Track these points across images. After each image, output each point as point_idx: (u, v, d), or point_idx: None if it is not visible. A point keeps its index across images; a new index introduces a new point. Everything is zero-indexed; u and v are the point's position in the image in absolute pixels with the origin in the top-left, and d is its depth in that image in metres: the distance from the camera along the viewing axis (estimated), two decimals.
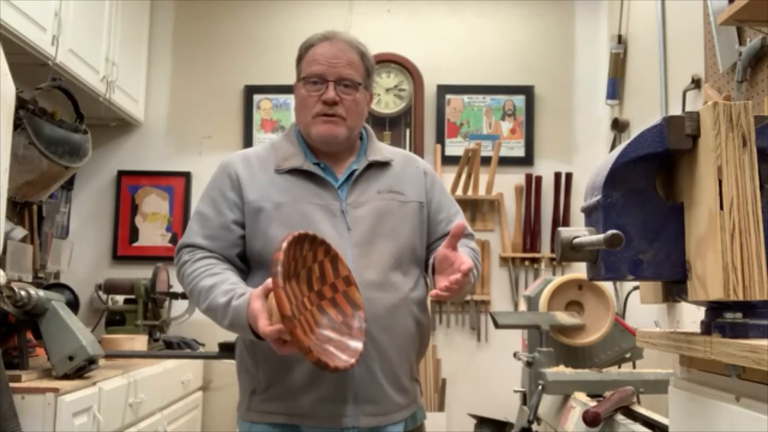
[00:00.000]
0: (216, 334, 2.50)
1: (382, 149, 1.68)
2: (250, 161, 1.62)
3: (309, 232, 1.37)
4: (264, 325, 1.31)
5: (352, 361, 1.33)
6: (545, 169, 3.79)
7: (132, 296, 3.26)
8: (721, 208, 1.00)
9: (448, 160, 3.76)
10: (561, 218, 3.75)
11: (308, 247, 1.37)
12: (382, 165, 1.64)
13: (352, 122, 1.60)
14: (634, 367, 2.47)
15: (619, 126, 3.39)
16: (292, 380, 1.49)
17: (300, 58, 1.64)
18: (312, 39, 1.63)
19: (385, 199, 1.59)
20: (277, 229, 1.51)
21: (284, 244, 1.27)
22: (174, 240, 3.69)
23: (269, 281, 1.32)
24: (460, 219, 1.69)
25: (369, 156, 1.63)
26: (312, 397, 1.48)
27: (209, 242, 1.55)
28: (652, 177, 1.12)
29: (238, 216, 1.57)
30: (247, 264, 1.59)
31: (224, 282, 1.47)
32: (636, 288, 2.73)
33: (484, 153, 3.68)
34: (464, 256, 1.45)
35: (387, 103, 3.80)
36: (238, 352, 1.61)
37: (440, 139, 3.81)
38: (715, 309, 1.09)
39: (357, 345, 1.37)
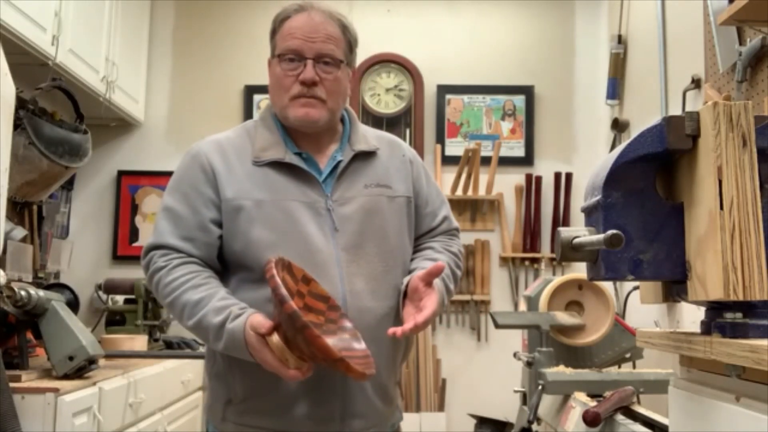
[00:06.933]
0: None
1: (366, 135, 1.53)
2: (225, 151, 1.45)
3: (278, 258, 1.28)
4: (279, 366, 1.23)
5: (371, 361, 1.30)
6: (545, 169, 3.80)
7: (132, 296, 3.26)
8: (721, 208, 1.00)
9: (448, 160, 3.76)
10: (561, 218, 3.75)
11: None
12: (368, 155, 1.49)
13: (333, 104, 1.45)
14: (634, 367, 2.46)
15: (619, 126, 3.39)
16: (277, 395, 1.37)
17: (274, 32, 1.48)
18: (287, 10, 1.46)
19: (373, 194, 1.46)
20: (260, 231, 1.38)
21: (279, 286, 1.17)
22: None
23: (262, 321, 1.26)
24: (445, 210, 1.61)
25: (354, 145, 1.48)
26: (298, 413, 1.38)
27: (185, 244, 1.39)
28: (652, 177, 1.12)
29: (215, 214, 1.41)
30: (223, 264, 1.45)
31: (213, 297, 1.34)
32: (636, 288, 2.73)
33: (484, 153, 3.68)
34: (433, 297, 1.35)
35: (387, 103, 3.80)
36: (209, 353, 1.48)
37: (440, 139, 3.81)
38: (715, 309, 1.09)
39: (361, 346, 1.32)
